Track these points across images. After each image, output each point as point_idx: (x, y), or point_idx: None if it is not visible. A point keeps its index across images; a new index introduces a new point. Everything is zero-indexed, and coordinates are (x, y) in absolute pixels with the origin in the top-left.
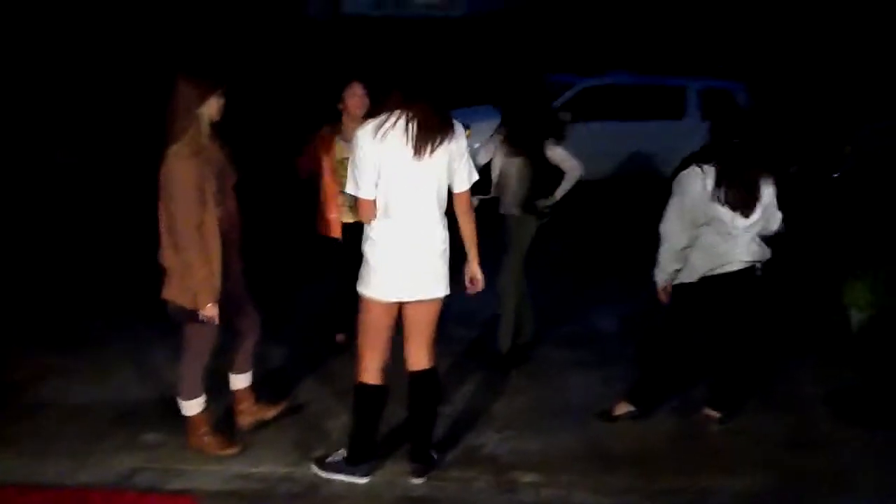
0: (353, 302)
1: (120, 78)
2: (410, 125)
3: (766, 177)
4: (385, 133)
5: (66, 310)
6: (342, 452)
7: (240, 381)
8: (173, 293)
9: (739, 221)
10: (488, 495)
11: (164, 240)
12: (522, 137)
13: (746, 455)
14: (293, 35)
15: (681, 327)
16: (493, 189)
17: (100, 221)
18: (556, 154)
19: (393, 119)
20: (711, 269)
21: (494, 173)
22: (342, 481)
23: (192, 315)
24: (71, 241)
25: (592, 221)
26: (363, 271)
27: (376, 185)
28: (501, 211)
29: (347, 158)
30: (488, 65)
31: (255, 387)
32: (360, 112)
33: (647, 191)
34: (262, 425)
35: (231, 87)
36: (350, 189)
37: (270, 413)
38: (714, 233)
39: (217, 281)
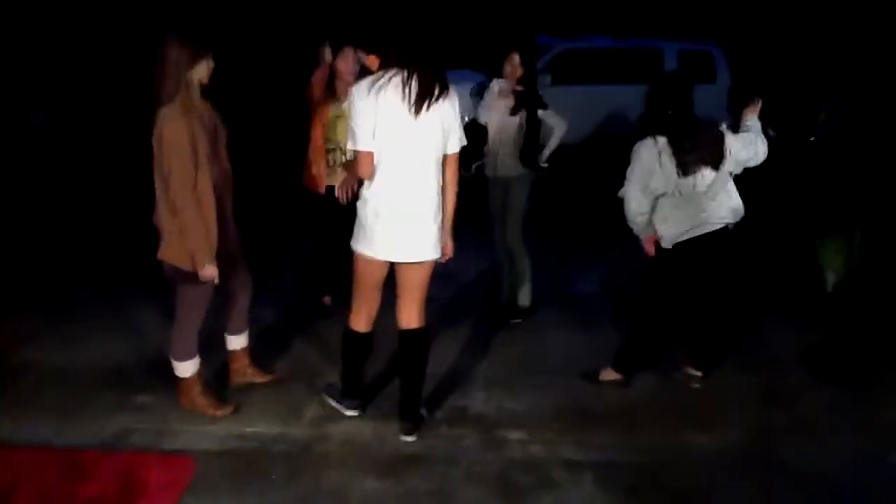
0: (336, 262)
1: (95, 37)
2: (408, 84)
3: (718, 130)
4: (380, 89)
5: (46, 275)
6: (339, 382)
7: (235, 341)
8: (170, 254)
9: (700, 184)
10: (477, 452)
11: (160, 201)
12: (528, 94)
13: (723, 412)
14: None
15: (659, 292)
16: (487, 150)
17: (78, 184)
18: (545, 111)
19: (388, 76)
20: (682, 235)
21: (492, 133)
22: (333, 407)
23: (189, 276)
24: (48, 205)
25: (573, 185)
26: (357, 229)
27: (374, 137)
28: (497, 174)
29: (339, 117)
30: (465, 28)
31: (250, 348)
32: (351, 77)
33: (627, 154)
34: (251, 386)
35: (220, 49)
36: (349, 145)
37: (261, 379)
38: (678, 200)
39: (214, 240)
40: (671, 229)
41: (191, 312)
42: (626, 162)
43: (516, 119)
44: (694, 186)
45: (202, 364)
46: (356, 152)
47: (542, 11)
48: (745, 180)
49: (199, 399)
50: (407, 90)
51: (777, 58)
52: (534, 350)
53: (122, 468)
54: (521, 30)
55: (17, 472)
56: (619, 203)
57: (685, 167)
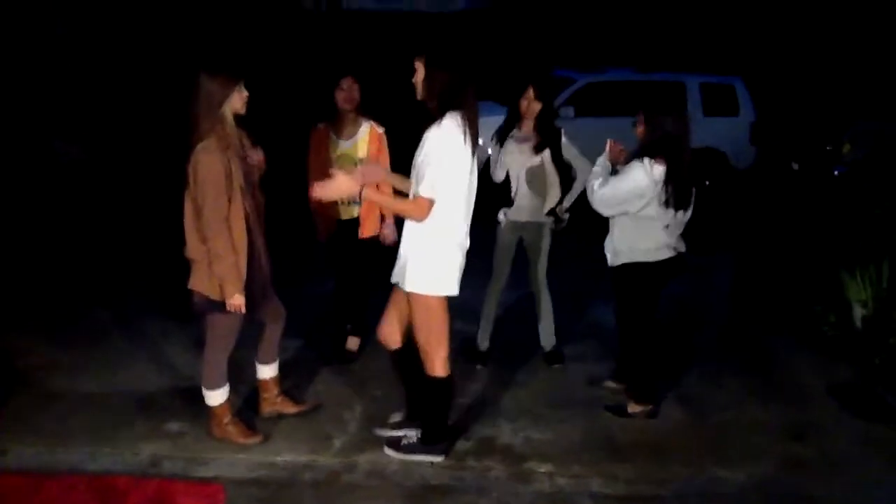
0: (355, 300)
1: (120, 69)
2: (470, 125)
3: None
4: (464, 132)
5: (77, 305)
6: (415, 434)
7: (266, 371)
8: (199, 284)
9: (675, 216)
10: (505, 484)
11: (190, 232)
12: (548, 135)
13: (750, 445)
14: (292, 29)
15: (631, 311)
16: (514, 197)
17: (103, 212)
18: (570, 151)
19: (463, 118)
20: (645, 257)
21: (518, 179)
22: (421, 461)
23: (218, 305)
24: (81, 236)
25: (594, 216)
26: (434, 273)
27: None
28: (528, 218)
29: (344, 155)
30: (488, 60)
31: (280, 378)
32: (348, 107)
33: None
34: (281, 416)
35: (250, 79)
36: (428, 192)
37: (291, 410)
38: (647, 222)
39: (243, 271)
40: (639, 248)
41: (220, 342)
42: None
43: (539, 159)
44: (675, 216)
45: (232, 393)
46: (423, 199)
47: (565, 45)
48: (771, 210)
49: (230, 427)
50: (468, 131)
51: (800, 91)
52: (559, 381)
53: (154, 495)
54: (537, 63)
55: (51, 497)
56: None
57: (678, 201)
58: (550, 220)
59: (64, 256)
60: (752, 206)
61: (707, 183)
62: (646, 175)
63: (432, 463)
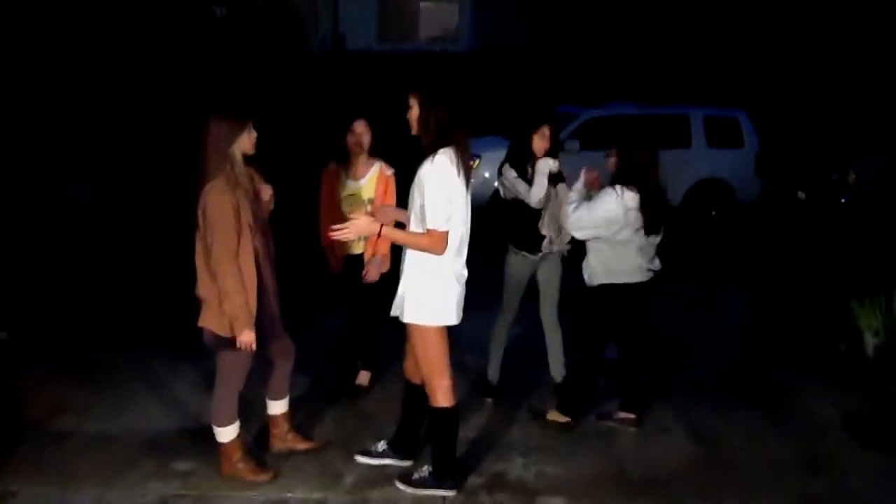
0: (366, 335)
1: (127, 109)
2: (462, 158)
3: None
4: (457, 167)
5: (84, 345)
6: (426, 468)
7: (276, 406)
8: (209, 321)
9: (647, 239)
10: None
11: (201, 271)
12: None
13: (766, 480)
14: (299, 72)
15: (600, 329)
16: (541, 228)
17: (113, 252)
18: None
19: (450, 154)
20: (620, 279)
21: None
22: (433, 495)
23: (228, 342)
24: (83, 273)
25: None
26: (430, 304)
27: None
28: (551, 250)
29: (353, 195)
30: (493, 97)
31: (290, 414)
32: (358, 150)
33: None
34: (291, 452)
35: (258, 119)
36: (440, 223)
37: (301, 447)
38: (620, 246)
39: (253, 308)
40: (613, 269)
41: (230, 379)
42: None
43: (555, 191)
44: (648, 240)
45: (242, 429)
46: (437, 232)
47: (570, 80)
48: (778, 241)
49: (240, 464)
50: (459, 165)
51: (804, 121)
52: None
53: None
54: (545, 102)
55: None
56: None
57: (650, 226)
58: (567, 247)
59: (73, 297)
60: (760, 236)
61: (713, 213)
62: (617, 201)
63: (444, 498)
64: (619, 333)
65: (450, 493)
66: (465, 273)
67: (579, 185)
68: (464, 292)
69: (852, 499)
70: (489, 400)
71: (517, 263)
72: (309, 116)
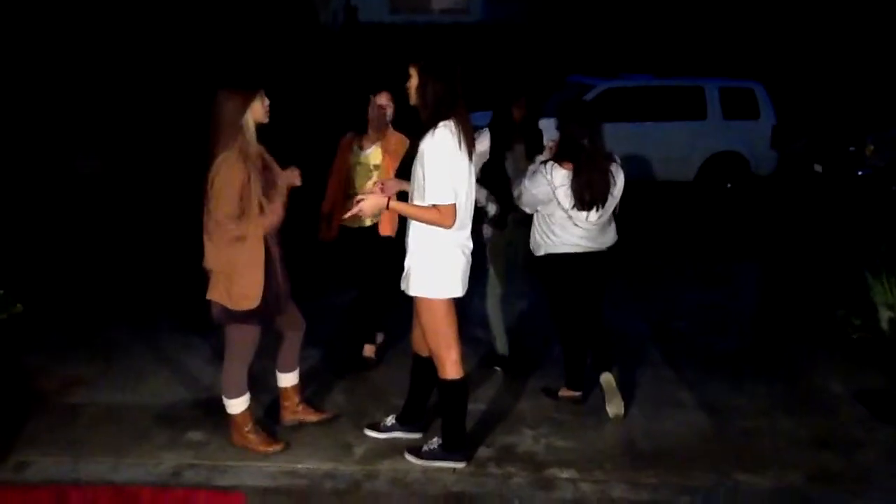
0: (380, 306)
1: (138, 84)
2: (464, 130)
3: (616, 166)
4: (458, 139)
5: (97, 319)
6: (436, 441)
7: (286, 379)
8: (217, 294)
9: (588, 216)
10: (527, 491)
11: (209, 243)
12: (536, 140)
13: (776, 454)
14: (310, 43)
15: (554, 300)
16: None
17: (122, 225)
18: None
19: (452, 126)
20: (559, 250)
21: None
22: (442, 467)
23: (237, 315)
24: (99, 250)
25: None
26: (436, 277)
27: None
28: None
29: (360, 165)
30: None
31: (301, 386)
32: (377, 122)
33: (668, 192)
34: (301, 424)
35: (269, 88)
36: (445, 197)
37: (312, 418)
38: (559, 219)
39: (261, 281)
40: (553, 241)
41: (239, 352)
42: (665, 199)
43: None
44: (587, 218)
45: (253, 402)
46: (443, 206)
47: (585, 53)
48: (795, 214)
49: (251, 436)
50: (463, 137)
51: (821, 93)
52: None
53: None
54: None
55: None
56: (663, 236)
57: (582, 204)
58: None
59: (85, 270)
60: (776, 209)
61: (728, 186)
62: (543, 179)
63: (454, 469)
64: (563, 308)
65: (459, 465)
66: (471, 245)
67: (540, 157)
68: (469, 263)
69: (864, 473)
70: (498, 371)
71: (495, 234)
72: (321, 88)
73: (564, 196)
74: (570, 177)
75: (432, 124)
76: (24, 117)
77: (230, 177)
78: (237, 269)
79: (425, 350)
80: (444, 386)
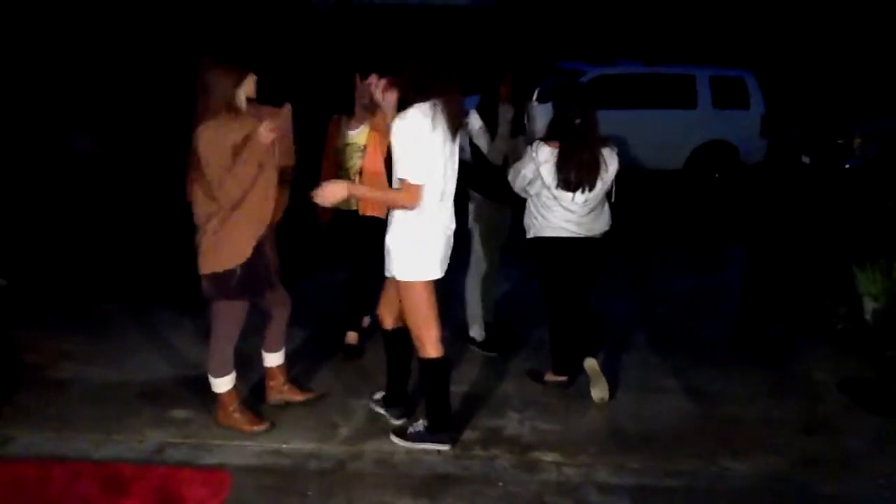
0: (369, 285)
1: (131, 64)
2: (445, 111)
3: (609, 151)
4: (433, 120)
5: (85, 295)
6: (421, 423)
7: (271, 358)
8: (207, 263)
9: (576, 198)
10: (512, 473)
11: (197, 215)
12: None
13: (761, 439)
14: (299, 24)
15: (545, 283)
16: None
17: (114, 204)
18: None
19: (435, 106)
20: (548, 233)
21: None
22: (427, 449)
23: (226, 289)
24: (89, 226)
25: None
26: (414, 259)
27: (428, 172)
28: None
29: (349, 145)
30: (495, 53)
31: (287, 366)
32: (364, 102)
33: (658, 179)
34: (287, 404)
35: (259, 70)
36: (410, 176)
37: (297, 398)
38: (547, 201)
39: (253, 236)
40: (544, 223)
41: (226, 330)
42: (659, 185)
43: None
44: (573, 199)
45: (239, 381)
46: (411, 184)
47: (574, 39)
48: (782, 204)
49: (236, 415)
50: (447, 118)
51: (810, 84)
52: None
53: (160, 482)
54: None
55: (59, 485)
56: (651, 224)
57: (567, 184)
58: None
59: (74, 248)
60: (764, 199)
61: (717, 175)
62: (530, 159)
63: (439, 451)
64: (551, 292)
65: (444, 447)
66: (453, 225)
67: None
68: (451, 244)
69: (847, 460)
70: (483, 353)
71: (485, 209)
72: (312, 69)
73: (548, 173)
74: (556, 154)
75: (408, 105)
76: (18, 99)
77: (214, 140)
78: (228, 223)
79: (389, 322)
80: (425, 364)
